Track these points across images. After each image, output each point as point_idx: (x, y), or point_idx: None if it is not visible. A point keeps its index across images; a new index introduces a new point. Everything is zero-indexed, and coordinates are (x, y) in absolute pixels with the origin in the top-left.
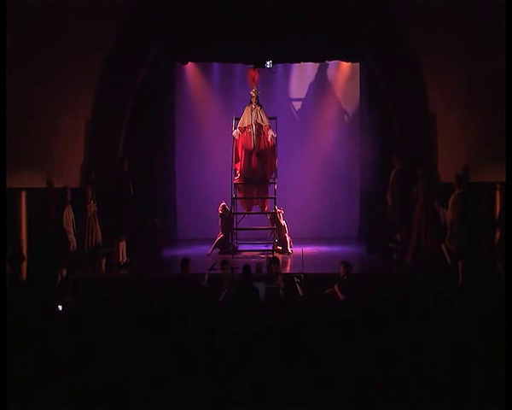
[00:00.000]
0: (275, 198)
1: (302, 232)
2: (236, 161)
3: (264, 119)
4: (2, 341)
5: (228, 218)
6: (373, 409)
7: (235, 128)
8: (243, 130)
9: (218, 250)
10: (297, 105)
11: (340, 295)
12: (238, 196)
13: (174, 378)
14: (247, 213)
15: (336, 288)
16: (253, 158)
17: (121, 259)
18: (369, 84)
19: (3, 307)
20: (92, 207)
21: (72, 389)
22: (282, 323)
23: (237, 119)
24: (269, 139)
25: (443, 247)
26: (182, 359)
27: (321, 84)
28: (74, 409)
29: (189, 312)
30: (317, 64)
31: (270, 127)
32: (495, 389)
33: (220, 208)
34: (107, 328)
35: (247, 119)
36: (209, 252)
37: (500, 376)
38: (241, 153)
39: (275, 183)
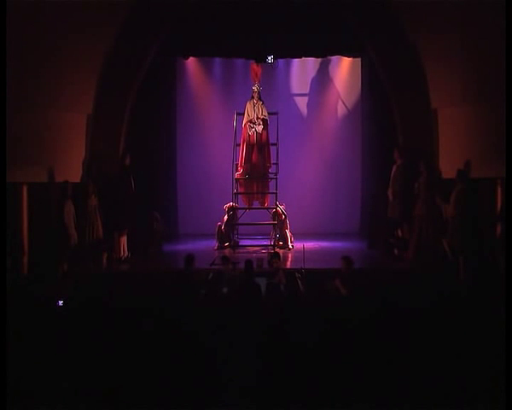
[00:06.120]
0: (276, 193)
1: (303, 228)
2: (241, 156)
3: (265, 113)
4: (3, 335)
5: (232, 215)
6: (371, 408)
7: (235, 123)
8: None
9: (219, 245)
10: (298, 100)
11: (343, 290)
12: (239, 190)
13: (174, 376)
14: (249, 209)
15: (338, 283)
16: (255, 153)
17: (122, 253)
18: (371, 79)
19: (4, 301)
20: (93, 201)
21: (72, 386)
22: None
23: (239, 114)
24: (259, 131)
25: (444, 242)
26: (183, 355)
27: (322, 79)
28: (74, 408)
29: (190, 308)
30: (319, 59)
31: (260, 120)
32: (495, 385)
33: (227, 207)
34: (108, 323)
35: (250, 113)
36: (215, 247)
37: (500, 372)
38: (243, 147)
39: (276, 178)
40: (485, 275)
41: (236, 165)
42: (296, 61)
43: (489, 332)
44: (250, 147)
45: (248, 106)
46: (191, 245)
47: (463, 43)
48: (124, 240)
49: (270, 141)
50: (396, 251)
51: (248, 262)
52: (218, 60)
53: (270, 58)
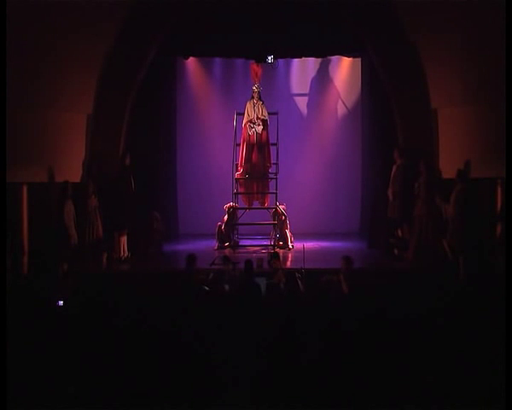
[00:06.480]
0: (276, 193)
1: (303, 228)
2: (241, 156)
3: (265, 113)
4: (3, 335)
5: (232, 215)
6: (371, 408)
7: (235, 123)
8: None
9: (219, 245)
10: (298, 100)
11: (345, 288)
12: (239, 190)
13: (174, 376)
14: (249, 209)
15: (341, 278)
16: (255, 153)
17: (122, 253)
18: (371, 79)
19: (4, 301)
20: (93, 201)
21: (72, 386)
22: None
23: (239, 114)
24: (259, 131)
25: (444, 242)
26: (183, 355)
27: (322, 79)
28: (74, 408)
29: (191, 308)
30: (319, 59)
31: (260, 120)
32: (495, 386)
33: (227, 207)
34: (108, 323)
35: (250, 113)
36: (216, 247)
37: (500, 372)
38: (243, 147)
39: (276, 178)
40: (485, 275)
41: (236, 165)
42: (296, 61)
43: (489, 332)
44: (250, 147)
45: (248, 106)
46: (191, 245)
47: (463, 43)
48: (124, 240)
49: (270, 141)
50: (396, 251)
51: (248, 262)
52: (218, 60)
53: (270, 58)
